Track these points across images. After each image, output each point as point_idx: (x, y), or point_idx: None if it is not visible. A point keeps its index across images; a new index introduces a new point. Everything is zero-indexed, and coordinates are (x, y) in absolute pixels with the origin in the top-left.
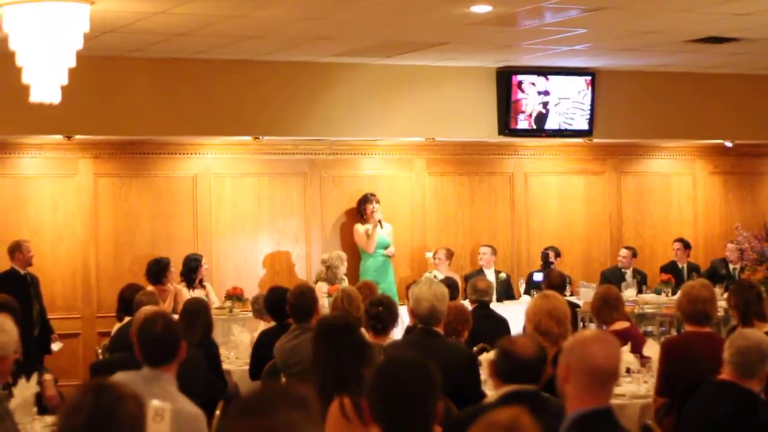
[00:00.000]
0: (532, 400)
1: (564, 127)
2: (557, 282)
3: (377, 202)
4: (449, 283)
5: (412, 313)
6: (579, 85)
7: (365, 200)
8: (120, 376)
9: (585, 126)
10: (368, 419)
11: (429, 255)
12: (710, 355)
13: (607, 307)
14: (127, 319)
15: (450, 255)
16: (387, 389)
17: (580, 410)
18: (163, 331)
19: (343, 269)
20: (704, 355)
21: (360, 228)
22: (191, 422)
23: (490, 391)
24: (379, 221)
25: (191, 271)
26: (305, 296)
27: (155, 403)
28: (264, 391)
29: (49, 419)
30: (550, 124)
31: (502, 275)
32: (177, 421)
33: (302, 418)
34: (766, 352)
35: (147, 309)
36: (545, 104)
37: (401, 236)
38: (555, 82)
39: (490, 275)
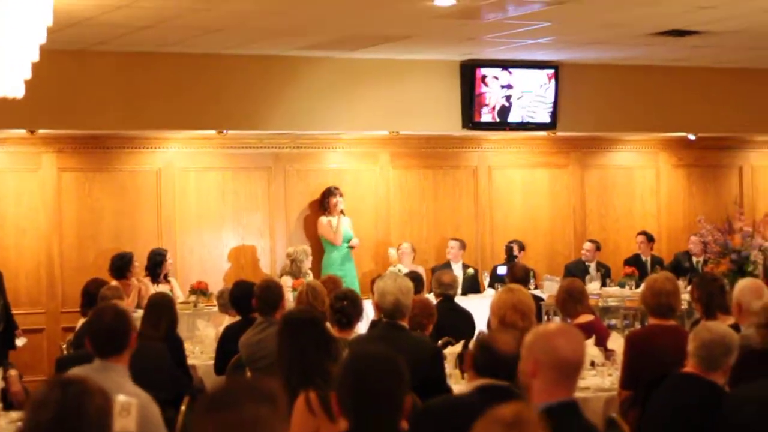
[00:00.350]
0: (505, 394)
1: (527, 120)
2: (521, 275)
3: (341, 195)
4: (414, 276)
5: (377, 307)
6: (541, 78)
7: (329, 193)
8: (73, 371)
9: (547, 119)
10: (336, 414)
11: (392, 252)
12: (674, 347)
13: (571, 300)
14: None
15: (414, 249)
16: (355, 384)
17: (547, 403)
18: (112, 322)
19: (307, 263)
20: (668, 348)
21: (324, 220)
22: (144, 409)
23: (455, 385)
24: (341, 211)
25: (156, 265)
26: (271, 290)
27: (121, 398)
28: (230, 386)
29: (15, 415)
30: (513, 118)
31: (470, 270)
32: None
33: (269, 413)
34: (729, 345)
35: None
36: (508, 98)
37: (365, 230)
38: (518, 75)
39: (457, 269)
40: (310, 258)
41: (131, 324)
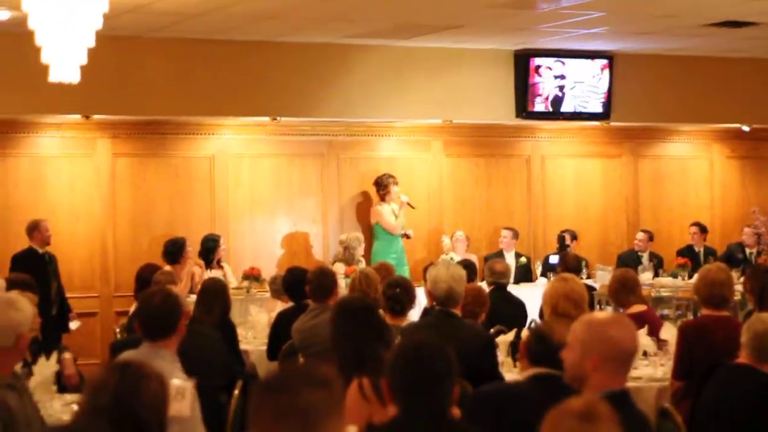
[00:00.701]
0: (559, 383)
1: (579, 110)
2: (573, 264)
3: (396, 183)
4: (466, 264)
5: (430, 295)
6: (594, 69)
7: (388, 181)
8: (123, 355)
9: (599, 109)
10: (387, 398)
11: (446, 240)
12: (727, 338)
13: (624, 291)
14: None
15: (467, 238)
16: (405, 370)
17: (601, 392)
18: (160, 305)
19: (360, 250)
20: (721, 338)
21: (383, 208)
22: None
23: (507, 374)
24: (408, 203)
25: (209, 251)
26: (325, 276)
27: (176, 381)
28: (287, 371)
29: (69, 397)
30: (566, 108)
31: (523, 259)
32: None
33: (324, 398)
34: None
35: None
36: (561, 88)
37: (418, 218)
38: (570, 66)
39: (509, 258)
40: (363, 245)
41: (180, 308)
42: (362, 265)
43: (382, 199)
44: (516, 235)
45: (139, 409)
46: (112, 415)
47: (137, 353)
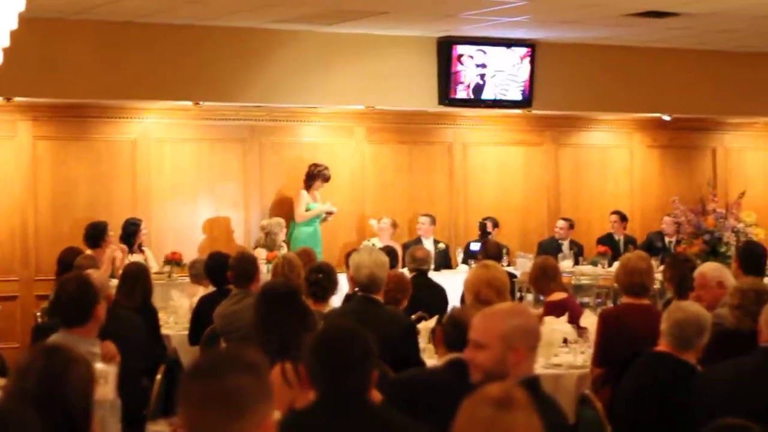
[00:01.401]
0: None
1: (499, 98)
2: (494, 252)
3: (324, 180)
4: (389, 251)
5: (352, 281)
6: (514, 58)
7: (314, 176)
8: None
9: (519, 97)
10: (305, 383)
11: (373, 223)
12: (647, 326)
13: (545, 278)
14: None
15: (394, 225)
16: (323, 355)
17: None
18: (75, 292)
19: (282, 236)
20: (641, 326)
21: (303, 196)
22: None
23: (428, 360)
24: (328, 212)
25: (130, 235)
26: (247, 262)
27: (99, 366)
28: (215, 356)
29: None
30: (487, 95)
31: (441, 245)
32: None
33: (252, 382)
34: (702, 325)
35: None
36: (482, 76)
37: (340, 203)
38: (491, 55)
39: (428, 245)
40: (285, 230)
41: (95, 295)
42: (284, 250)
43: (306, 187)
44: (433, 221)
45: (66, 393)
46: (37, 398)
47: (59, 337)
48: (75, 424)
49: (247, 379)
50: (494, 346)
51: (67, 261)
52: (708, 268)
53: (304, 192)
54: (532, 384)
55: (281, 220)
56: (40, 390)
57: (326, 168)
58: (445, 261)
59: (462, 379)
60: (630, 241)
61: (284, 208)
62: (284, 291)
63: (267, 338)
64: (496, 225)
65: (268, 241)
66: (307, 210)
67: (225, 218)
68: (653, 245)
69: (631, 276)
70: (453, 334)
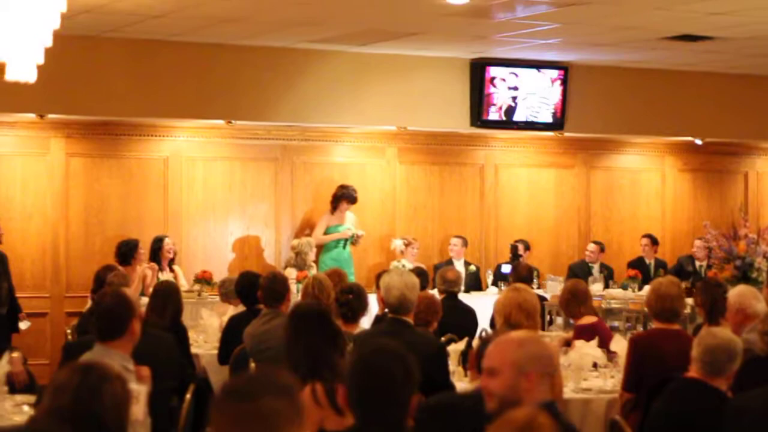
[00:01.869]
0: None
1: (530, 119)
2: (525, 274)
3: (350, 202)
4: (419, 272)
5: (382, 302)
6: (545, 81)
7: (340, 196)
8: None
9: (550, 119)
10: (344, 407)
11: (399, 243)
12: (678, 352)
13: (575, 301)
14: None
15: (408, 244)
16: (363, 375)
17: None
18: (111, 306)
19: (311, 255)
20: (672, 351)
21: (325, 219)
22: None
23: (458, 383)
24: (354, 236)
25: (154, 252)
26: (278, 282)
27: (131, 385)
28: (250, 377)
29: (20, 398)
30: (519, 117)
31: (472, 267)
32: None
33: (286, 406)
34: (734, 351)
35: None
36: (514, 98)
37: (370, 224)
38: (523, 78)
39: (459, 266)
40: (314, 250)
41: (131, 310)
42: (314, 270)
43: (332, 208)
44: (465, 243)
45: (100, 411)
46: (72, 415)
47: (89, 355)
48: None
49: (280, 402)
50: (506, 372)
51: (103, 278)
52: (733, 294)
53: (326, 215)
54: (549, 409)
55: (311, 240)
56: (75, 407)
57: (353, 189)
58: (475, 283)
59: None
60: (661, 265)
61: (313, 228)
62: (316, 311)
63: (298, 358)
64: (527, 248)
65: (299, 261)
66: (326, 233)
67: (255, 237)
68: (683, 269)
69: (662, 301)
70: None
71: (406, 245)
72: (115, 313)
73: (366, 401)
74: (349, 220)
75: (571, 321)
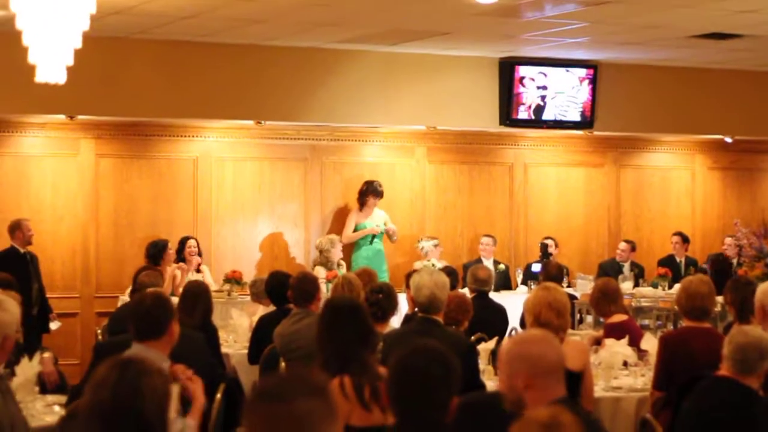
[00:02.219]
0: None
1: (559, 118)
2: (555, 273)
3: (376, 197)
4: (449, 271)
5: (412, 301)
6: (573, 80)
7: (367, 191)
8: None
9: (578, 118)
10: (386, 406)
11: (427, 244)
12: (708, 350)
13: (605, 300)
14: None
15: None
16: (403, 378)
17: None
18: (151, 306)
19: (335, 252)
20: (702, 350)
21: (351, 216)
22: None
23: (488, 382)
24: (387, 232)
25: (177, 253)
26: (308, 282)
27: None
28: (283, 378)
29: (51, 398)
30: (547, 116)
31: (501, 266)
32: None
33: (319, 406)
34: (765, 349)
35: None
36: (543, 97)
37: (399, 223)
38: (552, 77)
39: (488, 265)
40: (337, 247)
41: (172, 311)
42: (343, 269)
43: (360, 205)
44: (495, 242)
45: (140, 405)
46: (113, 411)
47: (129, 352)
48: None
49: (313, 403)
50: (503, 372)
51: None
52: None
53: (354, 212)
54: (565, 403)
55: (334, 237)
56: (113, 402)
57: (378, 184)
58: (504, 282)
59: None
60: (691, 263)
61: (343, 227)
62: (349, 305)
63: (328, 351)
64: (556, 245)
65: (322, 259)
66: (355, 230)
67: (285, 237)
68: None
69: (693, 300)
70: None
71: (435, 246)
72: (154, 314)
73: (404, 401)
74: (380, 217)
75: (602, 319)
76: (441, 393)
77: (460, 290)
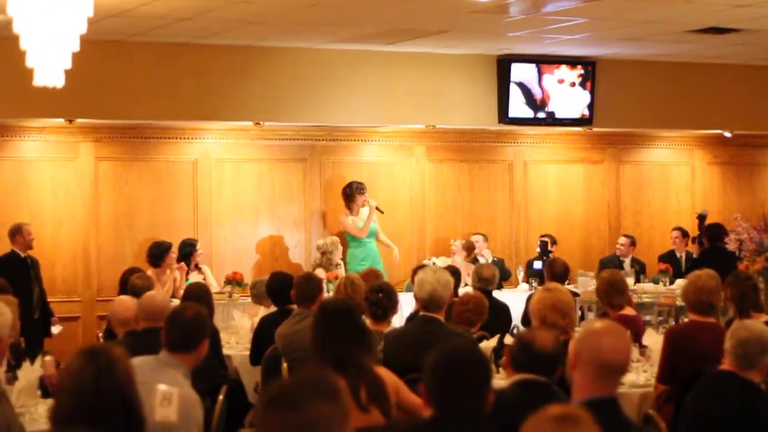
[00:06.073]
0: (543, 390)
1: (560, 115)
2: (560, 271)
3: (362, 192)
4: (453, 271)
5: (416, 298)
6: (574, 76)
7: (353, 194)
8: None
9: (578, 115)
10: (425, 402)
11: (459, 243)
12: (713, 344)
13: (613, 291)
14: None
15: (468, 247)
16: (442, 374)
17: (585, 398)
18: (189, 320)
19: (337, 254)
20: (707, 344)
21: (347, 219)
22: (189, 407)
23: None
24: (376, 207)
25: (186, 256)
26: (311, 282)
27: (162, 387)
28: (295, 383)
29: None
30: (546, 113)
31: (493, 259)
32: (180, 405)
33: (333, 411)
34: (766, 343)
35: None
36: (541, 95)
37: (400, 222)
38: (551, 73)
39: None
40: (340, 249)
41: (207, 330)
42: (341, 270)
43: (349, 210)
44: (486, 238)
45: (117, 383)
46: (98, 392)
47: (154, 358)
48: (131, 412)
49: (327, 407)
50: (571, 349)
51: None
52: None
53: (349, 216)
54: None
55: (337, 239)
56: (95, 383)
57: (357, 182)
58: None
59: (529, 399)
60: (691, 258)
61: (343, 230)
62: (343, 307)
63: (323, 353)
64: (554, 242)
65: (324, 261)
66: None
67: (285, 238)
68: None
69: (699, 294)
70: (520, 355)
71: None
72: (190, 329)
73: (442, 397)
74: (365, 211)
75: (609, 312)
76: (479, 389)
77: (471, 291)
